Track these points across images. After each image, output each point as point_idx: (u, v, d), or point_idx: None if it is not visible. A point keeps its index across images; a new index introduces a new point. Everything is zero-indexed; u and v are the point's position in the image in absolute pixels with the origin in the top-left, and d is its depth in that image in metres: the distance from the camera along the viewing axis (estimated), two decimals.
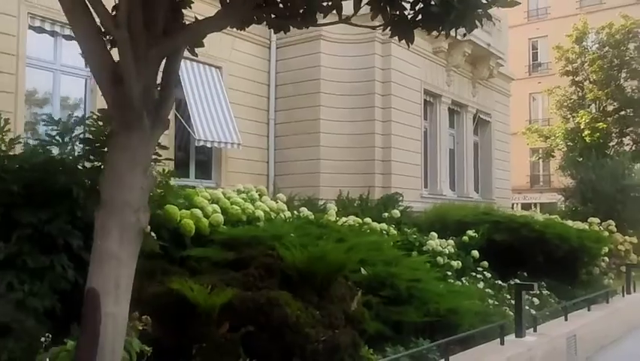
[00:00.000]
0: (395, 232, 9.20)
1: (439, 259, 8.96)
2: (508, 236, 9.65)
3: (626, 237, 13.41)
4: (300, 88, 13.76)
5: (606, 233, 12.59)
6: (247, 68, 13.52)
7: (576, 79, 24.27)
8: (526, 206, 32.37)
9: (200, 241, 6.07)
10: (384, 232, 8.96)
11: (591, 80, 23.46)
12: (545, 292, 9.16)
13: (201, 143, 11.66)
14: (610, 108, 23.23)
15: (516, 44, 34.95)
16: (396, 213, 9.84)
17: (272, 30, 4.23)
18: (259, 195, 8.33)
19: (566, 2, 33.54)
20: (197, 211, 6.28)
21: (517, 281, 8.54)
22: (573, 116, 23.64)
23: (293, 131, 13.82)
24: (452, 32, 3.65)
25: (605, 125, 22.12)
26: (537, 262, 9.56)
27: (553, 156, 25.62)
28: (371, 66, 13.59)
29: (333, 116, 13.52)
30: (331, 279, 4.94)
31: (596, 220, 13.15)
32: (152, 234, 5.22)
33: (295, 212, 8.30)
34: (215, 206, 6.77)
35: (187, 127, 11.70)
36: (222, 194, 7.22)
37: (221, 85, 12.72)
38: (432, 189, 15.71)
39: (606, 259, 11.75)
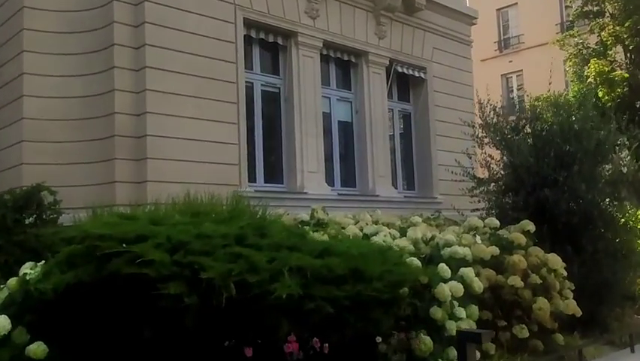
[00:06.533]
0: None
1: None
2: (86, 275, 3.66)
3: (549, 255, 6.28)
4: (6, 30, 8.39)
5: (491, 250, 5.74)
6: None
7: (599, 21, 16.95)
8: None
9: None
10: None
11: (610, 13, 16.02)
12: None
13: None
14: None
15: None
16: None
17: None
18: None
19: None
20: None
21: None
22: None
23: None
24: None
25: (625, 75, 14.60)
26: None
27: None
28: None
29: (46, 68, 7.95)
30: None
31: (480, 224, 6.34)
32: None
33: None
34: None
35: None
36: None
37: None
38: (289, 184, 9.70)
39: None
